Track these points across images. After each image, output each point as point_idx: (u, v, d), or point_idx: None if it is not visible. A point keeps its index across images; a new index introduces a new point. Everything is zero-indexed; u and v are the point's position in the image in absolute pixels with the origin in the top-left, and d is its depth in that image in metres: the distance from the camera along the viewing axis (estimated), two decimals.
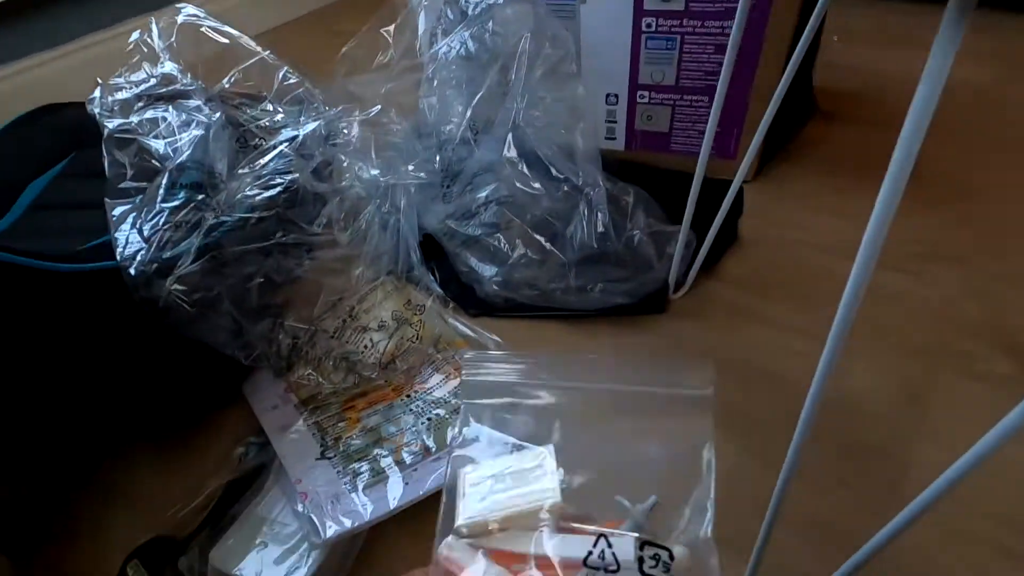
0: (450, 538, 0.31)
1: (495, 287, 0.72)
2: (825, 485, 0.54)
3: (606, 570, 0.28)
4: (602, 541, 0.29)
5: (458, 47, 0.74)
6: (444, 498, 0.34)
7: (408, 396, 0.64)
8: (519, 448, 0.35)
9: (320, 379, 0.65)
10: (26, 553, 0.56)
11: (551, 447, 0.33)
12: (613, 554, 0.28)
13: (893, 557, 0.49)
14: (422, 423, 0.60)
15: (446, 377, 0.65)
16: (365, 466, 0.55)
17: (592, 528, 0.30)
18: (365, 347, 0.67)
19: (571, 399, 0.36)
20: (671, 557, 0.28)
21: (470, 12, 0.74)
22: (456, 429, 0.37)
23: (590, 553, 0.28)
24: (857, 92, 1.08)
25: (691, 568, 0.29)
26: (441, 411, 0.62)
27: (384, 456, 0.57)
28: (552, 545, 0.29)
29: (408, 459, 0.56)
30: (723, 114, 0.53)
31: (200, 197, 0.54)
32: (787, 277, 0.75)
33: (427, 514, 0.54)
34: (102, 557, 0.54)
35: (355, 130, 0.72)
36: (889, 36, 1.25)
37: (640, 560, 0.28)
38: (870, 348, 0.65)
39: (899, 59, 1.15)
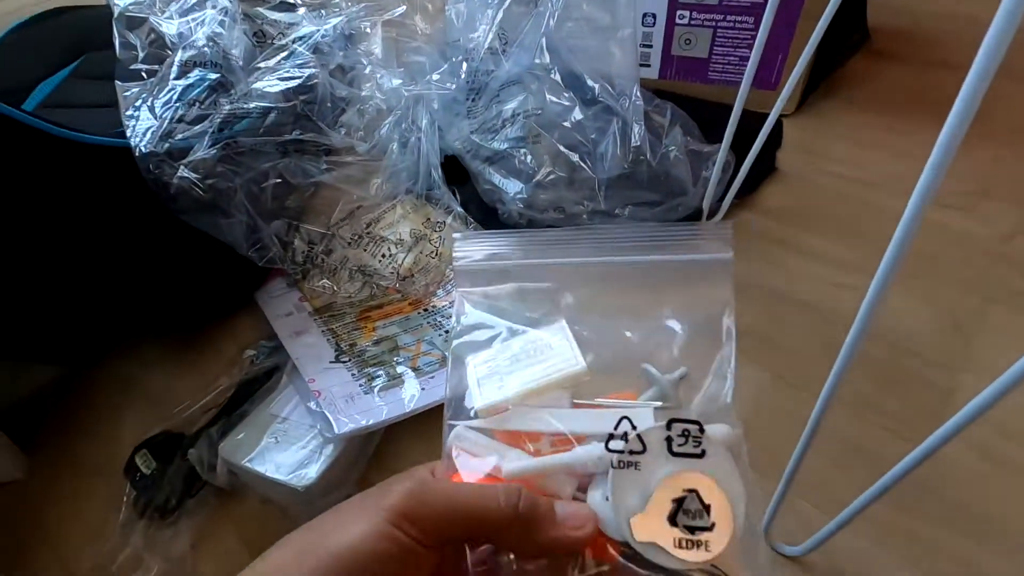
0: (460, 427, 0.28)
1: (518, 205, 0.68)
2: (860, 412, 0.52)
3: (631, 452, 0.24)
4: (624, 423, 0.26)
5: None
6: (448, 392, 0.30)
7: (426, 310, 0.62)
8: (526, 331, 0.31)
9: (335, 288, 0.62)
10: (38, 442, 0.55)
11: (563, 322, 0.30)
12: (638, 436, 0.24)
13: (931, 485, 0.47)
14: (439, 335, 0.58)
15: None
16: (380, 371, 0.53)
17: (614, 401, 0.27)
18: (383, 257, 0.64)
19: (578, 275, 0.32)
20: (701, 431, 0.25)
21: None
22: (453, 320, 0.33)
23: (611, 436, 0.24)
24: (911, 31, 1.02)
25: (731, 445, 0.27)
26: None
27: (400, 363, 0.55)
28: (571, 422, 0.26)
29: (424, 366, 0.54)
30: (768, 38, 0.48)
31: (215, 77, 0.51)
32: (827, 210, 0.71)
33: (441, 421, 0.52)
34: (113, 447, 0.53)
35: (378, 32, 0.68)
36: None
37: (668, 440, 0.24)
38: (916, 280, 0.62)
39: (957, 1, 1.08)
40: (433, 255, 0.67)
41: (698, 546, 0.21)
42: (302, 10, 0.65)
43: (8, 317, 0.48)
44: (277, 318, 0.60)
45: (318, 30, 0.63)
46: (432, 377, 0.53)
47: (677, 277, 0.31)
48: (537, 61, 0.67)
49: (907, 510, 0.45)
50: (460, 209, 0.73)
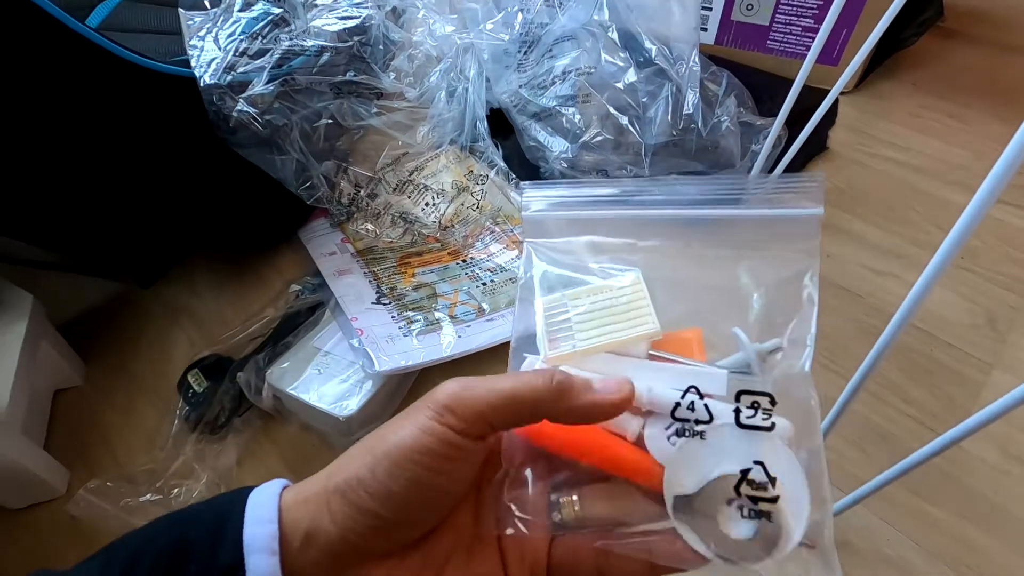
0: (531, 358, 0.28)
1: (562, 165, 0.69)
2: (887, 398, 0.53)
3: (696, 421, 0.23)
4: (691, 393, 0.25)
5: None
6: (515, 335, 0.28)
7: (464, 261, 0.63)
8: (599, 284, 0.30)
9: (378, 232, 0.64)
10: (97, 353, 0.59)
11: (638, 275, 0.29)
12: (705, 405, 0.23)
13: (953, 475, 0.48)
14: (476, 286, 0.60)
15: (504, 248, 0.64)
16: (419, 316, 0.55)
17: (691, 362, 0.26)
18: (425, 205, 0.65)
19: (655, 229, 0.29)
20: (772, 403, 0.23)
21: None
22: (520, 271, 0.30)
23: (678, 404, 0.23)
24: (986, 11, 0.96)
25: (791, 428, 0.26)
26: (497, 278, 0.61)
27: (438, 310, 0.56)
28: (645, 375, 0.25)
29: (462, 315, 0.56)
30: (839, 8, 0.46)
31: (277, 11, 0.51)
32: (875, 194, 0.70)
33: (478, 370, 0.54)
34: (165, 364, 0.57)
35: None
36: None
37: (736, 411, 0.23)
38: (958, 273, 0.61)
39: None
40: (474, 207, 0.68)
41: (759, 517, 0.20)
42: None
43: (69, 230, 0.50)
44: (321, 257, 0.62)
45: None
46: (468, 326, 0.55)
47: (762, 234, 0.28)
48: (595, 18, 0.65)
49: (923, 495, 0.47)
50: (503, 164, 0.73)
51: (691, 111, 0.62)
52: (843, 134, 0.77)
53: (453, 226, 0.66)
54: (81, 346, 0.58)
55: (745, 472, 0.21)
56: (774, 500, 0.21)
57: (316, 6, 0.59)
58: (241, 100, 0.50)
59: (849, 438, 0.50)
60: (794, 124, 0.61)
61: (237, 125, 0.51)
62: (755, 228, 0.28)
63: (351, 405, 0.47)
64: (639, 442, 0.23)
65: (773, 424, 0.22)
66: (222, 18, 0.51)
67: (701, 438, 0.22)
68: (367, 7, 0.59)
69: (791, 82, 0.51)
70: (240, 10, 0.51)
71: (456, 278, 0.61)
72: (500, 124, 0.76)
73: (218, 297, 0.63)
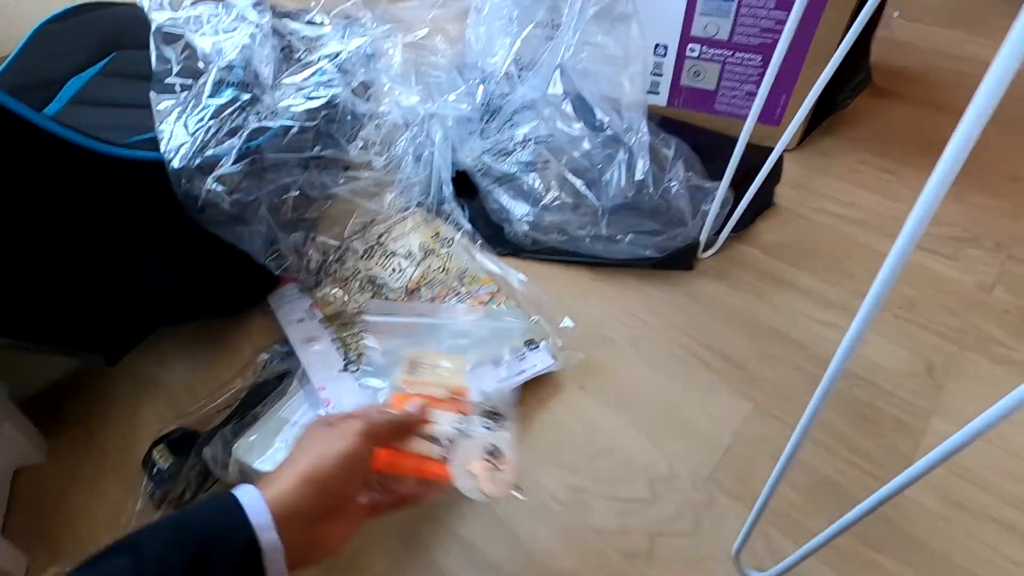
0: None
1: (525, 227, 0.72)
2: (836, 449, 0.55)
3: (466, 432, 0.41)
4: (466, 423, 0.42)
5: None
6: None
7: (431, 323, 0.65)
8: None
9: (347, 298, 0.66)
10: (60, 430, 0.59)
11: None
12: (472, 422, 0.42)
13: (898, 523, 0.50)
14: (442, 349, 0.61)
15: (469, 310, 0.66)
16: (384, 382, 0.57)
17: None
18: (393, 271, 0.68)
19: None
20: (502, 418, 0.43)
21: None
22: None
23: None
24: (913, 71, 1.04)
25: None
26: (462, 340, 0.63)
27: None
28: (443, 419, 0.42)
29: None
30: (775, 76, 0.52)
31: (246, 97, 0.54)
32: (819, 248, 0.74)
33: None
34: (131, 438, 0.57)
35: (399, 52, 0.71)
36: (951, 17, 1.19)
37: (487, 425, 0.42)
38: (897, 323, 0.65)
39: (960, 42, 1.11)
40: (440, 270, 0.70)
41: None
42: (328, 27, 0.68)
43: (36, 311, 0.51)
44: (289, 324, 0.63)
45: (343, 49, 0.66)
46: None
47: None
48: (550, 90, 0.70)
49: (870, 543, 0.49)
50: (468, 225, 0.76)
51: (643, 176, 0.66)
52: (788, 190, 0.82)
53: (420, 289, 0.68)
54: (45, 421, 0.58)
55: (489, 450, 0.40)
56: (501, 463, 0.40)
57: (284, 85, 0.62)
58: (210, 180, 0.52)
59: (800, 488, 0.53)
60: (743, 182, 0.65)
61: (206, 204, 0.52)
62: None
63: None
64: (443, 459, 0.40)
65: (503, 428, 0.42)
66: (192, 103, 0.53)
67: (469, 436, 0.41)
68: (334, 86, 0.63)
69: (753, 144, 0.56)
70: (210, 96, 0.54)
71: (420, 344, 0.62)
72: (467, 184, 0.79)
73: (187, 367, 0.63)
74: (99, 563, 0.28)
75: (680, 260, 0.72)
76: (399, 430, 0.39)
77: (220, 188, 0.53)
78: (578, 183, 0.69)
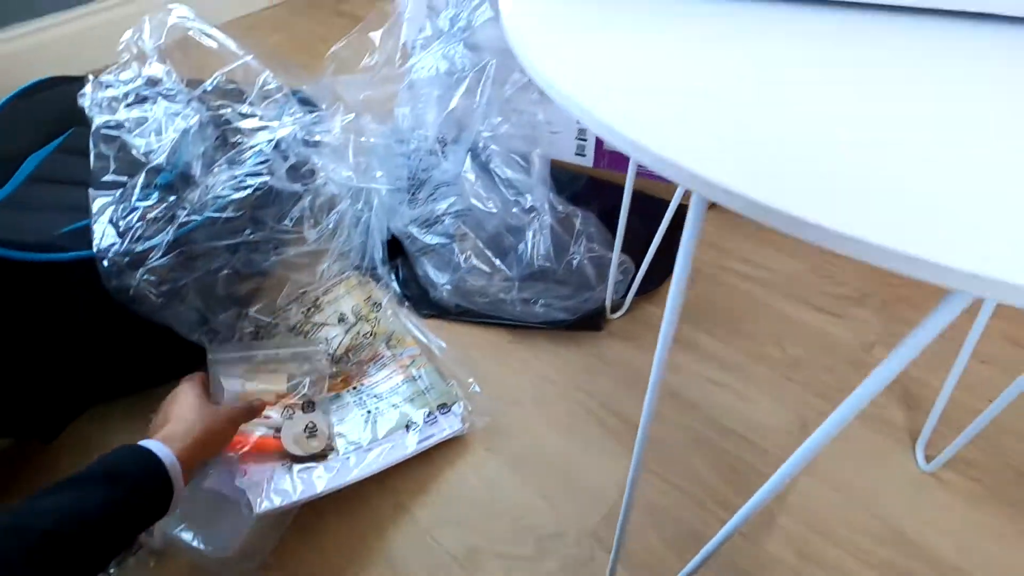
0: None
1: (447, 293, 0.78)
2: (706, 502, 0.61)
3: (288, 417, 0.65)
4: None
5: (433, 62, 0.78)
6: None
7: (355, 388, 0.71)
8: None
9: (276, 369, 0.71)
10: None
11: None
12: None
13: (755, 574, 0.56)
14: (362, 415, 0.67)
15: (391, 374, 0.72)
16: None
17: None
18: (323, 343, 0.73)
19: None
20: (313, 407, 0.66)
21: (447, 30, 0.78)
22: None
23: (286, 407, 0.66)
24: None
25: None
26: (381, 405, 0.68)
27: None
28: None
29: (342, 449, 0.63)
30: None
31: (172, 199, 0.60)
32: (722, 307, 0.81)
33: (358, 497, 0.62)
34: None
35: (333, 133, 0.77)
36: None
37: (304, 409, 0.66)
38: (781, 382, 0.71)
39: None
40: (369, 335, 0.76)
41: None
42: (260, 116, 0.74)
43: None
44: (216, 381, 0.69)
45: (274, 137, 0.72)
46: (348, 459, 0.62)
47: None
48: (467, 169, 0.76)
49: None
50: (397, 289, 0.82)
51: (545, 252, 0.72)
52: (703, 249, 0.89)
53: (348, 355, 0.74)
54: None
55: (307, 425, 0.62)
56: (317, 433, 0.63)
57: (216, 174, 0.68)
58: (140, 274, 0.58)
59: (667, 539, 0.58)
60: (650, 241, 0.71)
61: (136, 296, 0.58)
62: None
63: (232, 545, 0.54)
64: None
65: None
66: (123, 205, 0.59)
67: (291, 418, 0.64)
68: (263, 175, 0.69)
69: (661, 200, 0.62)
70: (139, 199, 0.60)
71: (344, 407, 0.68)
72: (399, 246, 0.85)
73: (130, 431, 0.69)
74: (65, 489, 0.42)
75: (590, 322, 0.78)
76: (248, 416, 0.60)
77: (150, 279, 0.59)
78: (492, 255, 0.75)
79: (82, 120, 0.91)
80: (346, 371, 0.73)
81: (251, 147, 0.71)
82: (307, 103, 0.89)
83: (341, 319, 0.77)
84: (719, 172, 0.21)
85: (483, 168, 0.76)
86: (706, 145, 0.23)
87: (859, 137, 0.23)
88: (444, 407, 0.68)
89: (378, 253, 0.83)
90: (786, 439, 0.66)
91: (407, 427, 0.66)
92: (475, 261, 0.76)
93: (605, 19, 0.32)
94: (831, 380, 0.72)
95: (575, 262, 0.73)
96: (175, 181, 0.62)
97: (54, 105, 0.92)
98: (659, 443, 0.66)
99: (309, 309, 0.76)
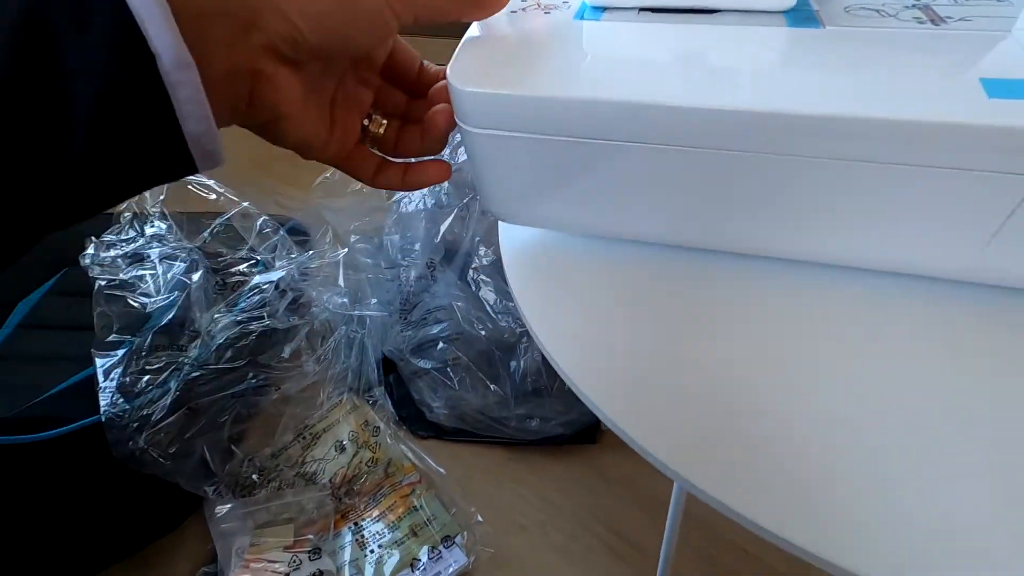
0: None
1: (442, 416, 0.80)
2: None
3: None
4: None
5: (420, 196, 0.84)
6: None
7: (356, 524, 0.71)
8: None
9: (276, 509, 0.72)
10: None
11: None
12: None
13: None
14: (364, 555, 0.68)
15: (392, 505, 0.73)
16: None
17: None
18: (325, 482, 0.74)
19: None
20: None
21: None
22: None
23: None
24: None
25: None
26: (384, 542, 0.69)
27: None
28: None
29: None
30: None
31: (176, 354, 0.62)
32: None
33: None
34: None
35: (328, 256, 0.81)
36: None
37: None
38: None
39: None
40: (370, 463, 0.77)
41: None
42: (258, 259, 0.77)
43: None
44: (220, 537, 0.69)
45: (271, 279, 0.75)
46: None
47: None
48: (456, 297, 0.80)
49: None
50: (394, 410, 0.84)
51: (539, 367, 0.75)
52: None
53: (349, 484, 0.74)
54: None
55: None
56: None
57: (217, 322, 0.70)
58: (145, 436, 0.59)
59: None
60: None
61: (143, 459, 0.59)
62: None
63: None
64: None
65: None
66: (130, 368, 0.61)
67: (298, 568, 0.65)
68: (263, 318, 0.71)
69: None
70: (146, 358, 0.61)
71: (345, 549, 0.68)
72: (394, 366, 0.88)
73: None
74: None
75: (585, 435, 0.80)
76: None
77: (156, 439, 0.60)
78: (484, 376, 0.78)
79: (74, 260, 0.93)
80: (346, 505, 0.73)
81: (251, 290, 0.74)
82: (298, 231, 0.93)
83: (341, 449, 0.78)
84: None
85: (473, 295, 0.80)
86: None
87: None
88: (448, 539, 0.69)
89: (373, 373, 0.85)
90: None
91: (412, 566, 0.66)
92: (469, 383, 0.79)
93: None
94: None
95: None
96: (177, 333, 0.64)
97: (42, 247, 0.93)
98: (672, 568, 0.68)
99: (307, 441, 0.77)
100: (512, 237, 0.34)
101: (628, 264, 0.30)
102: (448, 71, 0.25)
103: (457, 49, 0.26)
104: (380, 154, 0.29)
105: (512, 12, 0.28)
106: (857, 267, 0.27)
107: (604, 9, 0.28)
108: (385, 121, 0.28)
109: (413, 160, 0.29)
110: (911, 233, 0.24)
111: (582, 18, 0.27)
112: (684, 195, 0.26)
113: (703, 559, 0.68)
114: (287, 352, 0.78)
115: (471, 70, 0.25)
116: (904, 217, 0.23)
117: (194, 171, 0.21)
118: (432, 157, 0.29)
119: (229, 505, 0.69)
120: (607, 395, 0.26)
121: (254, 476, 0.71)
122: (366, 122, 0.28)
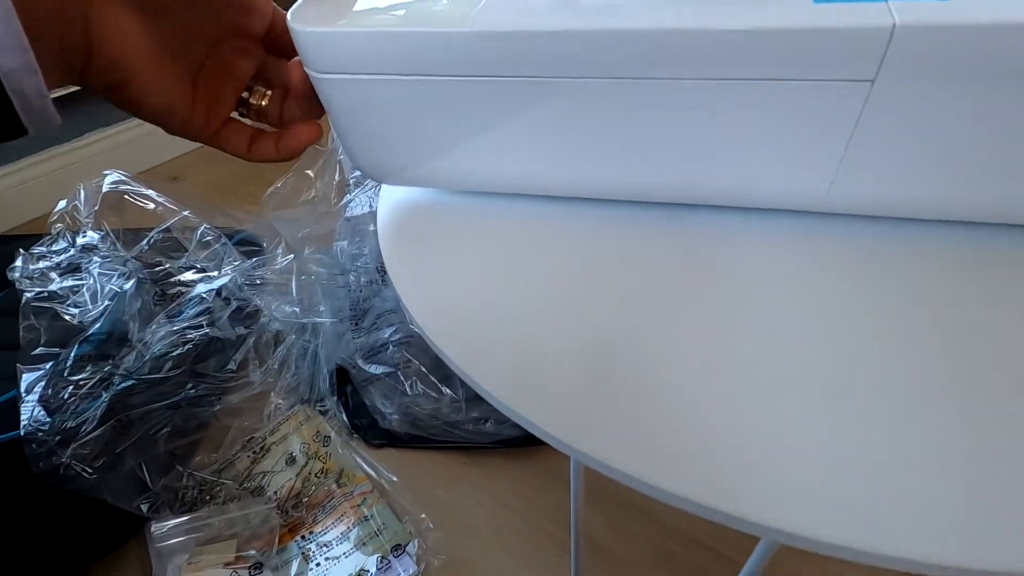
0: None
1: (395, 422, 0.78)
2: None
3: None
4: None
5: (367, 199, 0.83)
6: None
7: (303, 537, 0.68)
8: None
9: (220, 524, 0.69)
10: None
11: None
12: None
13: None
14: (309, 569, 0.65)
15: (341, 516, 0.70)
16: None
17: None
18: (271, 495, 0.71)
19: None
20: None
21: None
22: None
23: None
24: None
25: None
26: (331, 554, 0.66)
27: None
28: None
29: None
30: None
31: (107, 368, 0.60)
32: None
33: None
34: None
35: (276, 271, 0.79)
36: None
37: None
38: None
39: None
40: (320, 474, 0.75)
41: None
42: (198, 269, 0.75)
43: None
44: (159, 556, 0.65)
45: (212, 287, 0.73)
46: None
47: None
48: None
49: None
50: (347, 420, 0.81)
51: None
52: None
53: (299, 497, 0.72)
54: None
55: None
56: None
57: (154, 333, 0.68)
58: (71, 449, 0.56)
59: None
60: None
61: (67, 475, 0.56)
62: None
63: None
64: None
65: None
66: (55, 382, 0.59)
67: None
68: (203, 327, 0.69)
69: None
70: (71, 374, 0.59)
71: (292, 562, 0.65)
72: (347, 375, 0.85)
73: None
74: None
75: None
76: None
77: (81, 454, 0.57)
78: (436, 380, 0.76)
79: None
80: (294, 518, 0.70)
81: (190, 299, 0.72)
82: (250, 242, 0.92)
83: (290, 461, 0.76)
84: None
85: None
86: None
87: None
88: (398, 548, 0.66)
89: (326, 383, 0.83)
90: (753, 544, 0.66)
91: None
92: (421, 387, 0.77)
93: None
94: None
95: None
96: (110, 344, 0.62)
97: None
98: (624, 562, 0.65)
99: (255, 454, 0.74)
100: (386, 201, 0.33)
101: (501, 222, 0.29)
102: (289, 15, 0.24)
103: None
104: (256, 125, 0.28)
105: None
106: (722, 204, 0.27)
107: None
108: (269, 92, 0.27)
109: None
110: (765, 160, 0.23)
111: None
112: (533, 129, 0.25)
113: (647, 545, 0.66)
114: (234, 363, 0.75)
115: (313, 12, 0.24)
116: (755, 143, 0.23)
117: (19, 127, 0.19)
118: (305, 121, 0.28)
119: (170, 523, 0.66)
120: (485, 369, 0.25)
121: (195, 491, 0.68)
122: (245, 94, 0.27)
